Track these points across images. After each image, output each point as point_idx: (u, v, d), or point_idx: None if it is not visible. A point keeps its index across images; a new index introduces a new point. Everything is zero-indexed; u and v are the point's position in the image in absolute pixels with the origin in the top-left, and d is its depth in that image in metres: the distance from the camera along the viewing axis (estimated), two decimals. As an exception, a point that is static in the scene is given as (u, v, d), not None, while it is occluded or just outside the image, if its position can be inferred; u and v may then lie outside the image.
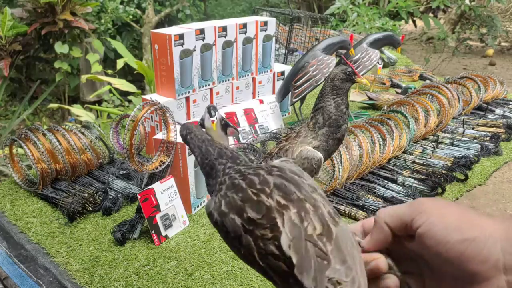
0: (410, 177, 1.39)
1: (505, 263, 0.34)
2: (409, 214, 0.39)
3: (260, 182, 0.49)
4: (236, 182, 0.51)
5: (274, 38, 1.82)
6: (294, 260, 0.42)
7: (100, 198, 1.24)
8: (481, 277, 0.35)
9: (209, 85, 1.64)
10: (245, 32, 1.69)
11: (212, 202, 0.53)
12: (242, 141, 1.50)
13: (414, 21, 5.04)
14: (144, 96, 1.53)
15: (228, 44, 1.64)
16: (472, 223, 0.36)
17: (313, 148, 1.00)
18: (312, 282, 0.41)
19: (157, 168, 1.24)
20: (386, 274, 0.42)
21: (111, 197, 1.25)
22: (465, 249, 0.35)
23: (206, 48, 1.57)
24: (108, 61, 4.50)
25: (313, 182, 0.51)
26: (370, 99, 2.12)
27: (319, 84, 1.68)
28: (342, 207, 1.23)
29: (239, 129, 1.56)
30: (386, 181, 1.38)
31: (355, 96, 2.24)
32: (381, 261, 0.41)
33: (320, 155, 0.99)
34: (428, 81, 2.39)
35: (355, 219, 1.19)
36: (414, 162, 1.50)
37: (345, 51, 1.80)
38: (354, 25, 3.94)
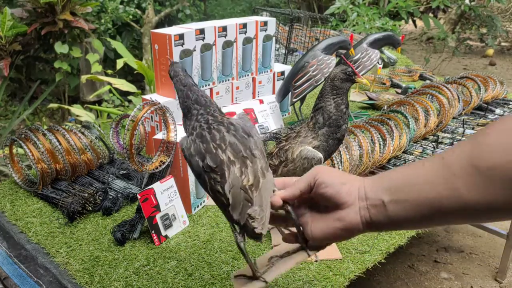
0: (410, 177, 1.39)
1: (359, 195, 0.60)
2: (312, 177, 0.63)
3: (219, 138, 0.69)
4: (203, 134, 0.71)
5: (274, 38, 1.82)
6: (230, 200, 0.64)
7: (100, 198, 1.24)
8: (348, 204, 0.60)
9: (209, 85, 1.64)
10: (245, 32, 1.69)
11: (185, 141, 0.73)
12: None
13: (414, 21, 5.04)
14: (144, 96, 1.53)
15: (228, 44, 1.64)
16: (345, 177, 0.63)
17: (313, 148, 1.00)
18: (238, 216, 0.63)
19: (157, 168, 1.24)
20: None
21: (111, 197, 1.25)
22: (340, 188, 0.60)
23: (206, 48, 1.57)
24: (108, 61, 4.49)
25: (258, 139, 0.71)
26: (370, 99, 2.12)
27: (319, 84, 1.68)
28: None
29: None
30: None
31: (355, 96, 2.24)
32: (275, 199, 0.65)
33: (320, 155, 0.99)
34: (428, 81, 2.38)
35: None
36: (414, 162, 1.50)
37: (345, 51, 1.80)
38: (354, 25, 3.94)
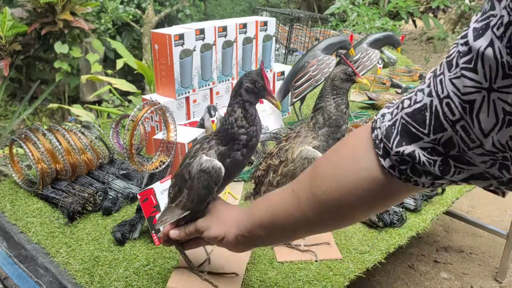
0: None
1: (237, 238, 0.77)
2: (198, 232, 0.83)
3: (182, 170, 0.86)
4: (187, 154, 0.90)
5: (274, 38, 1.82)
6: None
7: (100, 198, 1.24)
8: (230, 245, 0.79)
9: (209, 85, 1.64)
10: (245, 32, 1.69)
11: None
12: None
13: (414, 21, 5.04)
14: (144, 96, 1.53)
15: (228, 44, 1.64)
16: (223, 228, 0.78)
17: (313, 148, 1.00)
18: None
19: (157, 168, 1.24)
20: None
21: (111, 197, 1.25)
22: (222, 242, 0.78)
23: (206, 48, 1.57)
24: (108, 61, 4.50)
25: (198, 181, 0.81)
26: (370, 99, 2.12)
27: (319, 84, 1.68)
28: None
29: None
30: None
31: (355, 96, 2.24)
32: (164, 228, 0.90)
33: (320, 155, 0.99)
34: (428, 81, 2.38)
35: (355, 219, 1.19)
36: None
37: (345, 51, 1.81)
38: (354, 25, 3.94)
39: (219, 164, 0.80)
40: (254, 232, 0.75)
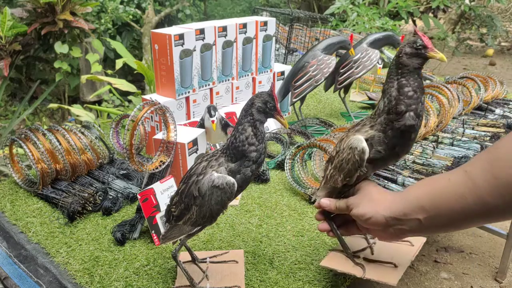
0: (410, 177, 1.39)
1: (387, 223, 0.76)
2: (346, 207, 0.85)
3: (183, 188, 0.88)
4: (193, 167, 0.90)
5: (274, 38, 1.82)
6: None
7: (100, 198, 1.24)
8: (375, 229, 0.80)
9: (209, 85, 1.64)
10: (245, 32, 1.69)
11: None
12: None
13: (414, 21, 5.04)
14: (144, 96, 1.53)
15: (228, 44, 1.64)
16: (372, 208, 0.78)
17: (367, 138, 0.86)
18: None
19: (157, 168, 1.24)
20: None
21: (111, 197, 1.25)
22: (369, 222, 0.78)
23: (206, 48, 1.57)
24: (108, 61, 4.49)
25: (209, 198, 0.83)
26: (370, 99, 2.12)
27: (319, 84, 1.68)
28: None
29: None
30: (386, 181, 1.38)
31: (355, 96, 2.24)
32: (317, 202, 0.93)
33: (362, 145, 0.84)
34: (428, 81, 2.38)
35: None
36: (414, 162, 1.50)
37: (345, 51, 1.81)
38: (354, 25, 3.94)
39: (232, 180, 0.82)
40: (410, 216, 0.71)
